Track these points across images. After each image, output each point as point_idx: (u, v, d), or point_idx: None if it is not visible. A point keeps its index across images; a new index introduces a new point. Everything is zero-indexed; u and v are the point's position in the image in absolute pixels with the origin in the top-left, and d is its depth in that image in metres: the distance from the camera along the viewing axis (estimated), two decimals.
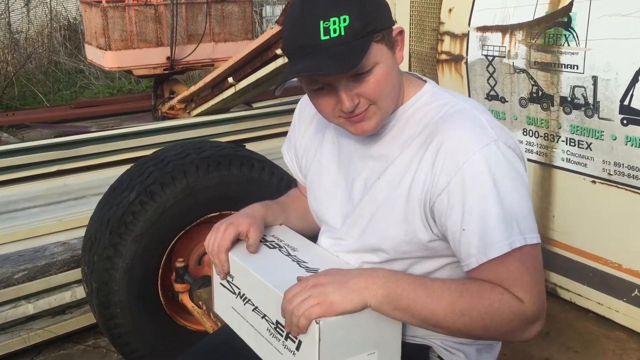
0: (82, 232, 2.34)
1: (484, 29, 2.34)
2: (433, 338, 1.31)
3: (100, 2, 5.22)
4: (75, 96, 7.83)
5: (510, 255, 1.11)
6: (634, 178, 1.97)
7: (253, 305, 1.31)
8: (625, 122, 1.94)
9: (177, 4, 5.31)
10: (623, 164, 1.99)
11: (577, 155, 2.13)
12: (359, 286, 1.13)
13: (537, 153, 2.27)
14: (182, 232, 2.09)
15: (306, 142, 1.46)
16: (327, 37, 1.09)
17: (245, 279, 1.34)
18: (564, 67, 2.08)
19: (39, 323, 2.63)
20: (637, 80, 1.88)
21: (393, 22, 1.20)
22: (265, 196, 1.59)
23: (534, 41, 2.17)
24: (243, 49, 4.45)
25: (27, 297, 2.59)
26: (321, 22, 1.09)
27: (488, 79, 2.37)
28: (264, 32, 7.16)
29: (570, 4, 2.04)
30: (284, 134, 1.58)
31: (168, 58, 5.41)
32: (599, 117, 2.01)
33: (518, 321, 1.13)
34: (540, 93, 2.18)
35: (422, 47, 2.70)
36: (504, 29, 2.26)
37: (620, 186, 2.02)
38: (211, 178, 2.07)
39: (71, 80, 8.54)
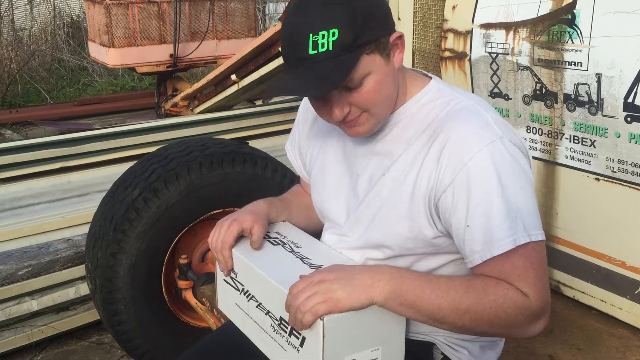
0: (86, 229, 2.34)
1: (487, 26, 2.34)
2: (437, 335, 1.32)
3: None
4: (79, 93, 7.85)
5: (515, 252, 1.11)
6: (637, 175, 1.97)
7: (257, 301, 1.31)
8: (629, 119, 1.94)
9: (180, 1, 5.32)
10: (627, 162, 1.98)
11: (580, 152, 2.12)
12: (365, 283, 1.13)
13: (540, 150, 2.26)
14: (186, 229, 2.09)
15: (310, 139, 1.46)
16: (315, 51, 1.09)
17: (249, 276, 1.34)
18: (568, 65, 2.08)
19: (43, 319, 2.63)
20: None
21: (391, 28, 1.18)
22: (269, 193, 1.59)
23: (537, 38, 2.16)
24: (246, 46, 4.46)
25: (31, 294, 2.59)
26: (310, 35, 1.09)
27: (492, 76, 2.36)
28: (267, 29, 7.15)
29: (574, 1, 2.04)
30: (287, 131, 1.58)
31: (171, 55, 5.43)
32: (602, 115, 2.00)
33: (523, 316, 1.13)
34: (543, 90, 2.18)
35: (426, 45, 2.69)
36: (507, 26, 2.26)
37: (624, 183, 2.02)
38: (214, 175, 2.08)
39: (74, 77, 8.56)
